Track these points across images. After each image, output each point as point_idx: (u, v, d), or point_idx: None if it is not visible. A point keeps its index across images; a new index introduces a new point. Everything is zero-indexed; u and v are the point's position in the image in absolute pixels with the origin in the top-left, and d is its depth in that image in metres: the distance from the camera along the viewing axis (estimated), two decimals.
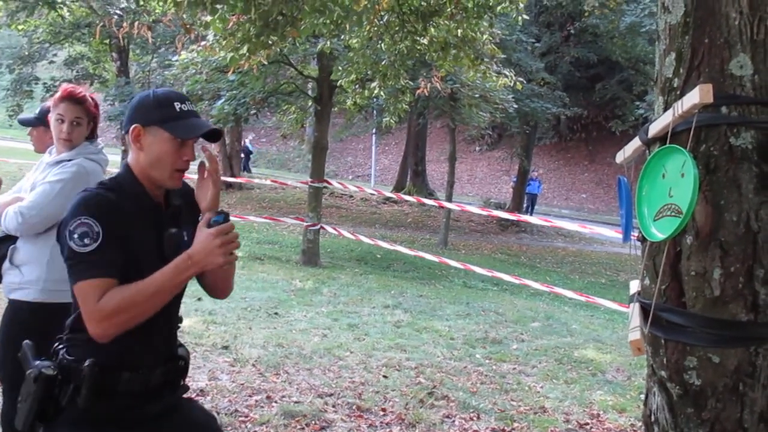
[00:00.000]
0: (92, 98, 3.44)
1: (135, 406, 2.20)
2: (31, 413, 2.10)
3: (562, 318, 9.38)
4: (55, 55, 29.10)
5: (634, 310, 2.34)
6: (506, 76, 12.91)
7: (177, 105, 2.21)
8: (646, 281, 2.40)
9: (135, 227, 2.17)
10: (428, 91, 13.59)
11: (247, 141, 37.78)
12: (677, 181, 2.02)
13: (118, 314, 2.02)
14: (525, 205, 27.99)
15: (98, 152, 3.44)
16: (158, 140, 2.19)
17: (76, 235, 2.05)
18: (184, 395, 2.42)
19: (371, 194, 23.95)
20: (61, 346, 2.22)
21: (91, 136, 3.46)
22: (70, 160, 3.29)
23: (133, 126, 2.21)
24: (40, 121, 3.67)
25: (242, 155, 37.70)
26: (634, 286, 2.50)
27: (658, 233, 2.09)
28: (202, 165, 2.27)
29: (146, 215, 2.23)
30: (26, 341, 2.28)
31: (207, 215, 2.17)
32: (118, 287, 2.05)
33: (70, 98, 3.32)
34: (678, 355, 2.24)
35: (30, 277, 3.22)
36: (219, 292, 2.44)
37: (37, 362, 2.16)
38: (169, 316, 2.29)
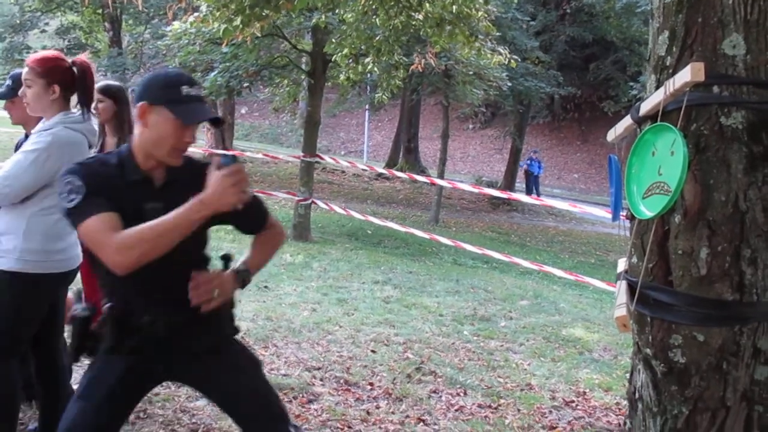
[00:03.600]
0: (78, 63, 3.34)
1: (160, 341, 2.39)
2: (73, 346, 2.45)
3: (550, 297, 9.41)
4: (47, 24, 28.85)
5: (621, 287, 2.36)
6: (501, 54, 12.86)
7: (184, 89, 2.29)
8: (634, 259, 2.41)
9: (117, 193, 2.27)
10: (422, 68, 13.53)
11: None
12: (667, 159, 2.02)
13: (131, 247, 2.15)
14: (527, 186, 27.94)
15: (82, 121, 3.34)
16: (162, 120, 2.28)
17: (63, 195, 2.22)
18: (234, 336, 2.62)
19: (363, 170, 23.90)
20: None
21: (85, 105, 3.39)
22: (49, 129, 3.23)
23: (141, 103, 2.31)
24: (14, 92, 3.59)
25: None
26: (622, 264, 2.51)
27: (647, 211, 2.10)
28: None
29: (132, 187, 2.32)
30: (78, 287, 2.61)
31: (215, 158, 2.25)
32: (131, 228, 2.18)
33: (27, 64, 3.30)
34: (663, 333, 2.26)
35: (7, 246, 3.18)
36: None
37: (77, 305, 2.49)
38: (183, 265, 2.34)
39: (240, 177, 2.21)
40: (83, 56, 3.45)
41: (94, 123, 3.54)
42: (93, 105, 4.28)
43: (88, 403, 2.39)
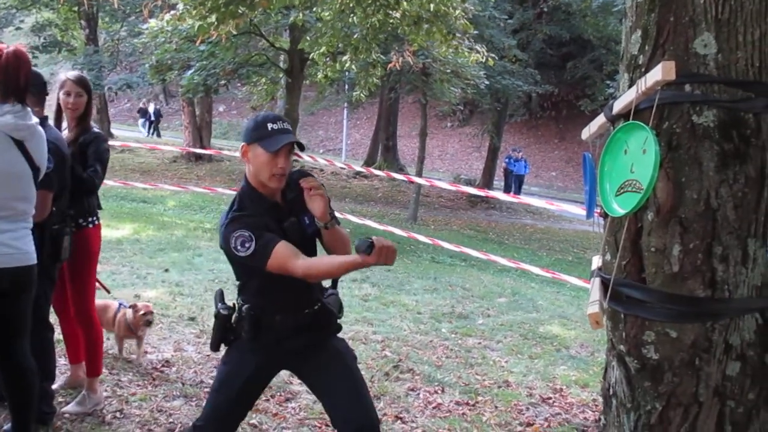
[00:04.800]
0: (9, 51, 3.20)
1: (285, 338, 2.97)
2: (215, 338, 3.05)
3: (528, 294, 9.45)
4: (22, 21, 28.57)
5: (595, 284, 2.37)
6: (478, 52, 12.89)
7: (269, 125, 2.85)
8: (607, 256, 2.42)
9: (264, 225, 2.84)
10: (400, 66, 13.54)
11: (150, 106, 37.57)
12: (639, 157, 2.03)
13: (314, 275, 2.80)
14: (512, 187, 27.91)
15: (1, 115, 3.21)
16: (257, 154, 2.85)
17: (239, 246, 2.79)
18: (337, 335, 3.19)
19: (341, 168, 23.91)
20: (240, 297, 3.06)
21: (13, 96, 3.23)
22: None
23: (241, 145, 2.92)
24: None
25: (143, 120, 37.56)
26: (596, 261, 2.53)
27: (619, 208, 2.11)
28: (302, 184, 2.90)
29: (268, 213, 2.90)
30: (219, 288, 3.18)
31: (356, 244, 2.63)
32: (310, 258, 2.80)
33: None
34: (637, 330, 2.28)
35: None
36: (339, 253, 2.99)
37: (220, 304, 3.05)
38: (303, 283, 2.86)
39: (387, 251, 2.57)
40: (19, 44, 3.34)
41: (28, 117, 3.31)
42: (71, 98, 4.20)
43: (224, 396, 3.00)
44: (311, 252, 2.97)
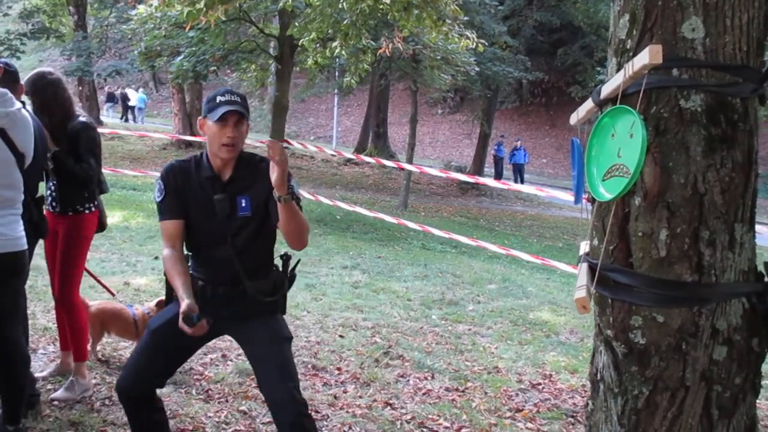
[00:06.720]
0: None
1: (207, 304, 3.05)
2: (166, 291, 3.34)
3: (518, 280, 9.46)
4: (9, 7, 28.40)
5: (582, 269, 2.37)
6: (468, 38, 12.84)
7: (218, 98, 3.02)
8: (595, 241, 2.42)
9: (194, 186, 3.11)
10: (390, 52, 13.49)
11: (128, 90, 37.10)
12: (626, 141, 2.03)
13: (165, 266, 3.09)
14: (502, 175, 27.92)
15: None
16: (208, 126, 3.04)
17: (156, 190, 3.13)
18: (272, 316, 3.25)
19: (332, 155, 23.86)
20: None
21: None
22: None
23: (199, 118, 3.14)
24: None
25: (110, 104, 36.95)
26: (584, 246, 2.53)
27: (606, 193, 2.11)
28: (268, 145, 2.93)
29: (205, 181, 3.11)
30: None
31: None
32: (173, 261, 3.06)
33: None
34: (624, 315, 2.28)
35: None
36: (292, 243, 3.11)
37: None
38: (229, 260, 3.10)
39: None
40: None
41: (8, 103, 3.27)
42: None
43: (147, 331, 3.22)
44: (244, 234, 3.13)
